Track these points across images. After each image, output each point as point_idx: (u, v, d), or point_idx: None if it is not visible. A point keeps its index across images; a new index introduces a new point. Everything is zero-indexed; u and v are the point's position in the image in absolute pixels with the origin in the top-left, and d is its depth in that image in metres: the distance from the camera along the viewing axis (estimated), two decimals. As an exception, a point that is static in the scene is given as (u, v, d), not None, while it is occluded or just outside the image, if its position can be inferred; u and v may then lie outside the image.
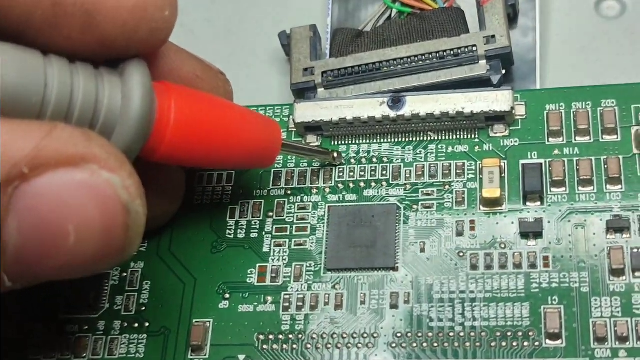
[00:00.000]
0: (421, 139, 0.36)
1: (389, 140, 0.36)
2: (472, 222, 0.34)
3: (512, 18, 0.38)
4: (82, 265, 0.27)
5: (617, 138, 0.34)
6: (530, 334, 0.31)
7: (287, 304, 0.34)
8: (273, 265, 0.34)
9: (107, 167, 0.26)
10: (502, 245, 0.33)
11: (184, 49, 0.33)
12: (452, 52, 0.36)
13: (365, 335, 0.33)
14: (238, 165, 0.35)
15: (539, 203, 0.33)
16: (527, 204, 0.34)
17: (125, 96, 0.28)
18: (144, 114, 0.28)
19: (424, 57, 0.36)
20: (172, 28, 0.30)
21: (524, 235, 0.33)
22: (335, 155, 0.35)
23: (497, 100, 0.35)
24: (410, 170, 0.35)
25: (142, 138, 0.29)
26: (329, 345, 0.33)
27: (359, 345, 0.32)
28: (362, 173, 0.36)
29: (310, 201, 0.35)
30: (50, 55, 0.27)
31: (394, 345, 0.32)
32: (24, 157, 0.25)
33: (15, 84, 0.26)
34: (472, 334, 0.32)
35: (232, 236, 0.35)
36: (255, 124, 0.33)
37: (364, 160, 0.36)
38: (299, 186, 0.36)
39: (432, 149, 0.35)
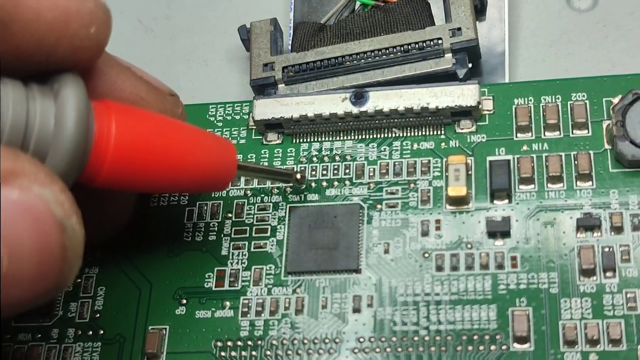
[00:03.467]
0: (385, 135, 0.34)
1: (352, 137, 0.35)
2: (437, 221, 0.32)
3: (479, 10, 0.37)
4: (18, 296, 0.24)
5: (588, 133, 0.33)
6: (498, 337, 0.30)
7: (245, 309, 0.32)
8: (232, 269, 0.33)
9: (38, 181, 0.24)
10: (469, 246, 0.32)
11: (130, 66, 0.31)
12: (416, 46, 0.35)
13: (327, 341, 0.31)
14: (189, 190, 0.34)
15: (506, 201, 0.32)
16: (495, 202, 0.32)
17: (58, 121, 0.26)
18: (78, 141, 0.26)
19: (387, 51, 0.35)
20: (102, 47, 0.27)
21: (491, 234, 0.32)
22: (299, 176, 0.33)
23: (462, 94, 0.33)
24: (374, 169, 0.34)
25: (77, 165, 0.27)
26: (289, 352, 0.31)
27: (321, 351, 0.31)
28: (324, 172, 0.34)
29: (271, 202, 0.34)
30: None
31: (356, 350, 0.31)
32: None
33: None
34: (437, 337, 0.30)
35: (189, 239, 0.34)
36: (207, 145, 0.30)
37: (326, 158, 0.35)
38: (259, 186, 0.34)
39: (396, 146, 0.34)
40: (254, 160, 0.35)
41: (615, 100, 0.33)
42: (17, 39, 0.25)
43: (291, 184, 0.34)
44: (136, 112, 0.29)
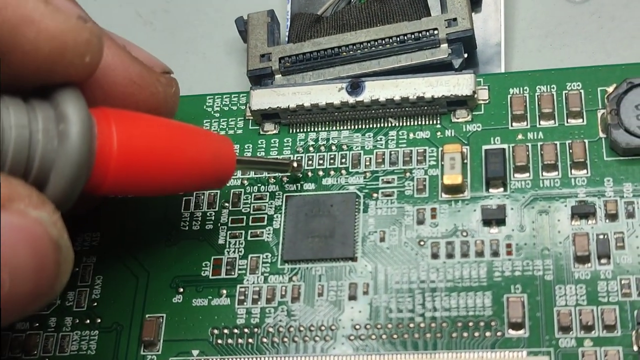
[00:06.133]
0: (381, 125, 0.35)
1: (348, 127, 0.35)
2: (433, 210, 0.33)
3: (475, 1, 0.37)
4: (16, 312, 0.25)
5: (583, 122, 0.33)
6: (493, 323, 0.30)
7: (242, 297, 0.32)
8: (228, 258, 0.33)
9: (32, 204, 0.25)
10: (464, 234, 0.32)
11: (125, 45, 0.31)
12: (412, 36, 0.35)
13: (323, 328, 0.31)
14: (191, 189, 0.34)
15: (501, 189, 0.32)
16: (490, 190, 0.32)
17: (62, 137, 0.26)
18: (83, 156, 0.26)
19: (383, 42, 0.36)
20: (95, 70, 0.28)
21: (487, 222, 0.32)
22: (295, 164, 0.34)
23: (458, 84, 0.33)
24: (370, 158, 0.34)
25: (83, 178, 0.27)
26: (286, 339, 0.31)
27: (317, 339, 0.31)
28: (321, 161, 0.34)
29: (268, 191, 0.34)
30: None
31: (352, 337, 0.31)
32: None
33: None
34: (433, 324, 0.31)
35: (186, 228, 0.34)
36: (206, 143, 0.30)
37: (322, 148, 0.35)
38: (256, 175, 0.35)
39: (392, 136, 0.34)
40: (250, 151, 0.35)
41: (610, 89, 0.33)
42: (14, 68, 0.26)
43: (289, 173, 0.34)
44: (134, 118, 0.29)
